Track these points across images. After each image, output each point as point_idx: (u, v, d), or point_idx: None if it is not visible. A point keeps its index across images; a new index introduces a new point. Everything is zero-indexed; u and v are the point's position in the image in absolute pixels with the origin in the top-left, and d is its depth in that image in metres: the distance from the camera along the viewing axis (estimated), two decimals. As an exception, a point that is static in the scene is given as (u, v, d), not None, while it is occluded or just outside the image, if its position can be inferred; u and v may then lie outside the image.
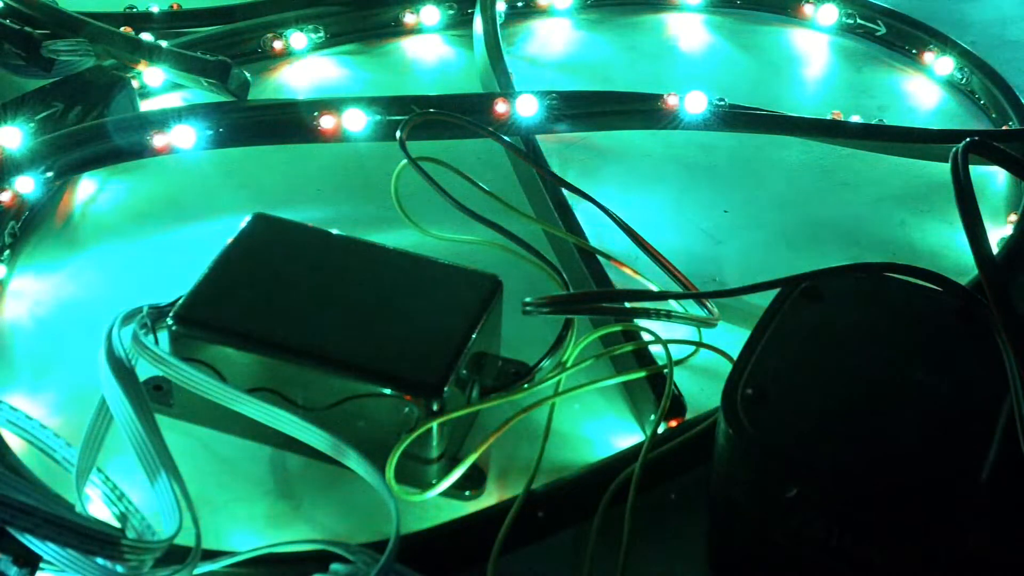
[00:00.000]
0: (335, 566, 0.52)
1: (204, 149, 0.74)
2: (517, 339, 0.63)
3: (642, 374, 0.62)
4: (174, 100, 0.83)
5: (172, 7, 0.89)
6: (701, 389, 0.63)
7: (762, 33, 0.94)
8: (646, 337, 0.62)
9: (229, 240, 0.62)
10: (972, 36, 0.90)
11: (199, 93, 0.81)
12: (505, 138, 0.74)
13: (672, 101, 0.78)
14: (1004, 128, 0.83)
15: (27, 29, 0.76)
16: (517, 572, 0.55)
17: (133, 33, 0.82)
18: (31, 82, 0.77)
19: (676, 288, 0.66)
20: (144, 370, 0.56)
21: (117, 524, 0.52)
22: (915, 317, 0.56)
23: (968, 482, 0.48)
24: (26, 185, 0.71)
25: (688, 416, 0.61)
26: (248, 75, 0.79)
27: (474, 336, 0.58)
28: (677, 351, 0.62)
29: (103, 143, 0.73)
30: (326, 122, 0.74)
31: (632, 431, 0.62)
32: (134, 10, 0.88)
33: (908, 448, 0.49)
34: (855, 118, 0.82)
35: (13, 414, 0.55)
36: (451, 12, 0.92)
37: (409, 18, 0.91)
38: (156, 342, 0.58)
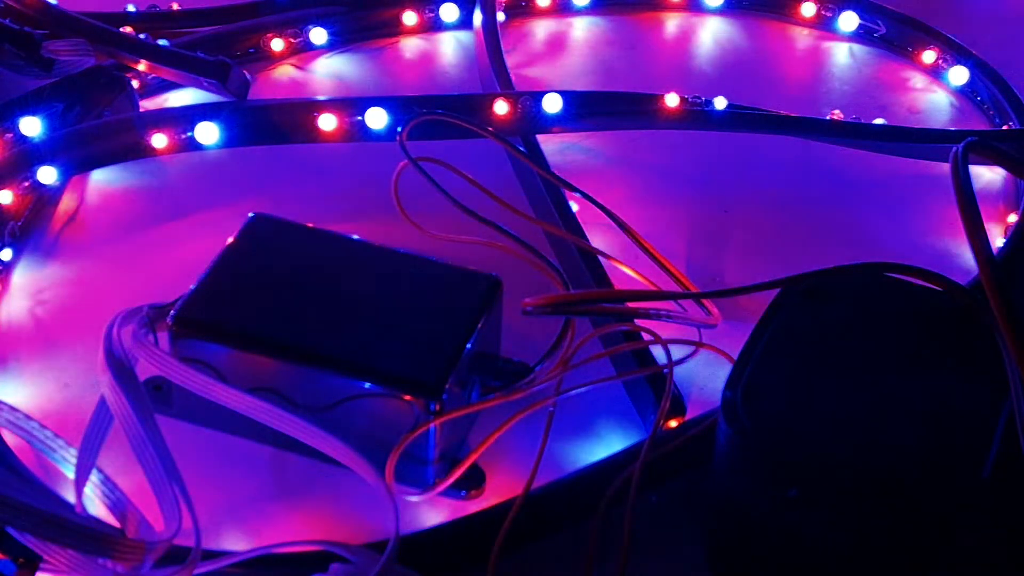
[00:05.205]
0: (335, 566, 0.52)
1: (204, 149, 0.74)
2: (517, 339, 0.63)
3: (642, 374, 0.62)
4: (174, 100, 0.83)
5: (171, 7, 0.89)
6: (701, 389, 0.63)
7: (761, 33, 0.93)
8: (646, 337, 0.62)
9: (229, 240, 0.62)
10: (972, 35, 0.90)
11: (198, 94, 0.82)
12: (505, 138, 0.73)
13: (672, 101, 0.78)
14: (1004, 128, 0.83)
15: (27, 29, 0.76)
16: (517, 572, 0.55)
17: (133, 33, 0.82)
18: (31, 82, 0.77)
19: (676, 288, 0.66)
20: (144, 370, 0.56)
21: (117, 524, 0.52)
22: (915, 317, 0.56)
23: (968, 482, 0.48)
24: (27, 185, 0.71)
25: (688, 416, 0.61)
26: (248, 75, 0.79)
27: (474, 336, 0.58)
28: (677, 351, 0.62)
29: (103, 143, 0.73)
30: (325, 122, 0.74)
31: (632, 431, 0.62)
32: (134, 10, 0.88)
33: (908, 448, 0.49)
34: (855, 118, 0.82)
35: (13, 414, 0.55)
36: (452, 12, 0.92)
37: (409, 18, 0.91)
38: (156, 342, 0.58)
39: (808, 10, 0.93)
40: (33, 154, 0.71)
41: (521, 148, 0.76)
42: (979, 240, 0.53)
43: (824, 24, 0.93)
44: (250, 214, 0.63)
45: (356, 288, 0.60)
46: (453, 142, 0.74)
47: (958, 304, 0.55)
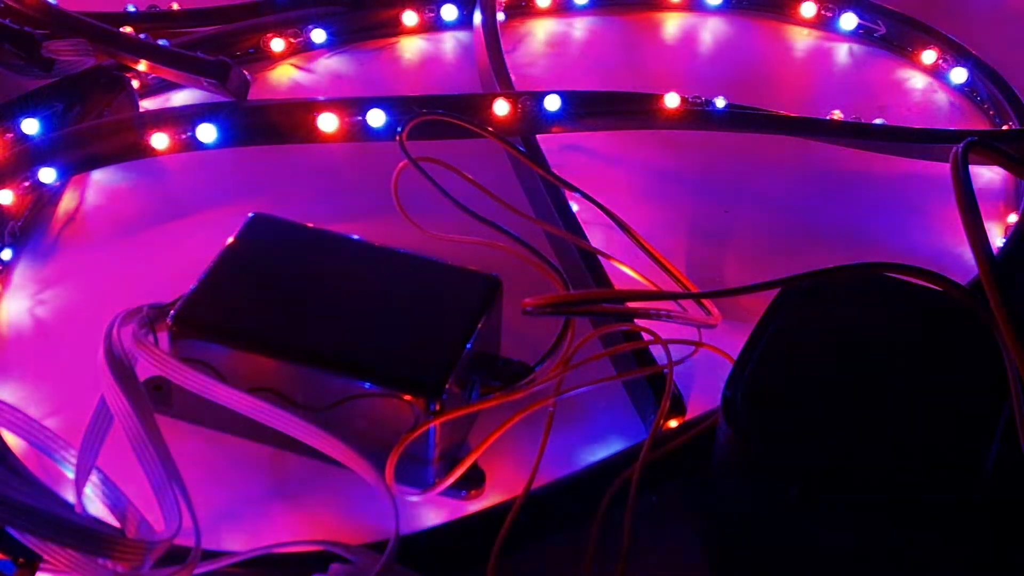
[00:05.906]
0: (335, 566, 0.52)
1: (204, 149, 0.74)
2: (517, 339, 0.62)
3: (642, 374, 0.62)
4: (174, 100, 0.83)
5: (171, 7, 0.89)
6: (701, 389, 0.63)
7: (761, 33, 0.93)
8: (646, 337, 0.62)
9: (229, 240, 0.62)
10: (972, 35, 0.90)
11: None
12: (505, 138, 0.73)
13: (672, 101, 0.78)
14: (1004, 128, 0.83)
15: (27, 29, 0.76)
16: (517, 572, 0.55)
17: (133, 33, 0.82)
18: (31, 82, 0.77)
19: (676, 288, 0.66)
20: (144, 370, 0.56)
21: (117, 524, 0.52)
22: (915, 317, 0.56)
23: (968, 482, 0.48)
24: (27, 185, 0.71)
25: (688, 416, 0.61)
26: (248, 75, 0.79)
27: (474, 336, 0.58)
28: (677, 351, 0.62)
29: (103, 143, 0.73)
30: (326, 123, 0.74)
31: (633, 431, 0.62)
32: (134, 10, 0.88)
33: (908, 448, 0.49)
34: (855, 118, 0.82)
35: (13, 414, 0.55)
36: (452, 12, 0.92)
37: (409, 18, 0.91)
38: (156, 342, 0.58)
39: (808, 10, 0.93)
40: (33, 154, 0.71)
41: (521, 148, 0.76)
42: (979, 240, 0.53)
43: (824, 24, 0.93)
44: (250, 214, 0.63)
45: (356, 288, 0.60)
46: (453, 142, 0.74)
47: (958, 304, 0.55)
